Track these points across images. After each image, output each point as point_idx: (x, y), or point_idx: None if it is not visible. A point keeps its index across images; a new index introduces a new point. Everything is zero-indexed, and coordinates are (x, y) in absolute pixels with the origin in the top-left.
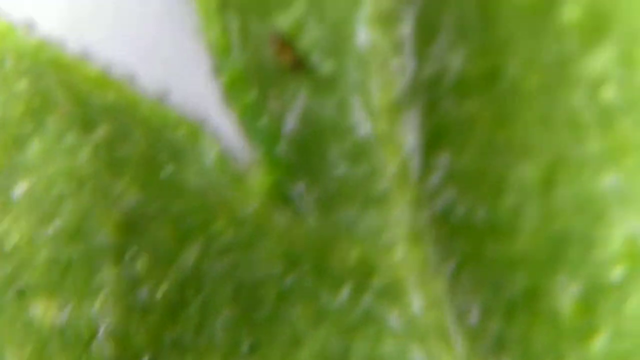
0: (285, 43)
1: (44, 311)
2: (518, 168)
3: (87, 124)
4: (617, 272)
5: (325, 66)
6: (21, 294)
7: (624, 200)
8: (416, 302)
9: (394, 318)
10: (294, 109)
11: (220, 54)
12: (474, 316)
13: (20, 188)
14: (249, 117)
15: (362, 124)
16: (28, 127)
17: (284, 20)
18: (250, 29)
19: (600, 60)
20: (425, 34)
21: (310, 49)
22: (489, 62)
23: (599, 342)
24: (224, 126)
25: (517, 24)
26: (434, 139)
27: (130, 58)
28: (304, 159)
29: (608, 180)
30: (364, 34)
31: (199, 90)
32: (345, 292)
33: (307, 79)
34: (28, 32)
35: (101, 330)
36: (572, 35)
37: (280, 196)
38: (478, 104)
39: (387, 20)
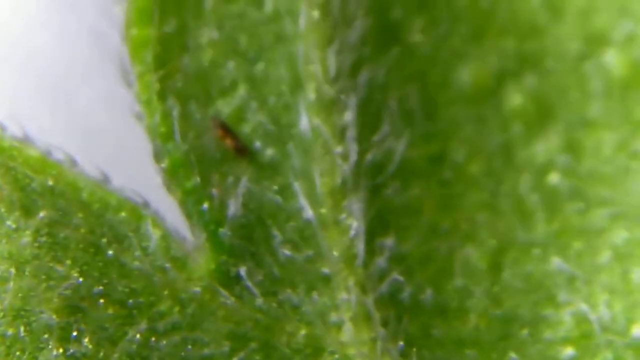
0: (228, 129)
1: None
2: (464, 251)
3: (27, 208)
4: (567, 352)
5: (267, 152)
6: None
7: (572, 282)
8: None
9: None
10: (236, 194)
11: (162, 140)
12: None
13: None
14: (191, 202)
15: (305, 209)
16: None
17: (225, 106)
18: (192, 114)
19: (545, 147)
20: (369, 121)
21: (252, 134)
22: (433, 147)
23: None
24: (166, 209)
25: (461, 110)
26: (379, 224)
27: (71, 143)
28: (248, 243)
29: (555, 263)
30: (305, 121)
31: (140, 175)
32: None
33: (249, 165)
34: None
35: None
36: (516, 122)
37: (224, 278)
38: (422, 189)
39: (329, 107)
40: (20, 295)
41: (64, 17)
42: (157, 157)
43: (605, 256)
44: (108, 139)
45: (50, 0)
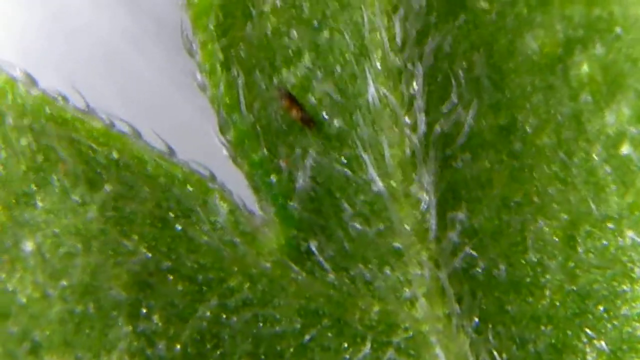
0: (294, 99)
1: None
2: (537, 225)
3: (92, 181)
4: None
5: (335, 122)
6: (35, 349)
7: None
8: (440, 358)
9: None
10: (304, 166)
11: (227, 111)
12: None
13: (28, 245)
14: (258, 175)
15: (375, 181)
16: (32, 185)
17: (291, 76)
18: (257, 84)
19: (616, 117)
20: (436, 90)
21: (319, 105)
22: (501, 118)
23: None
24: (234, 182)
25: (530, 79)
26: (450, 197)
27: (135, 115)
28: (318, 216)
29: (629, 237)
30: (373, 90)
31: (207, 147)
32: (367, 348)
33: (317, 136)
34: (29, 87)
35: None
36: (586, 91)
37: (295, 253)
38: (493, 161)
39: (396, 76)
40: (88, 271)
41: None
42: (223, 129)
43: None
44: (171, 111)
45: None
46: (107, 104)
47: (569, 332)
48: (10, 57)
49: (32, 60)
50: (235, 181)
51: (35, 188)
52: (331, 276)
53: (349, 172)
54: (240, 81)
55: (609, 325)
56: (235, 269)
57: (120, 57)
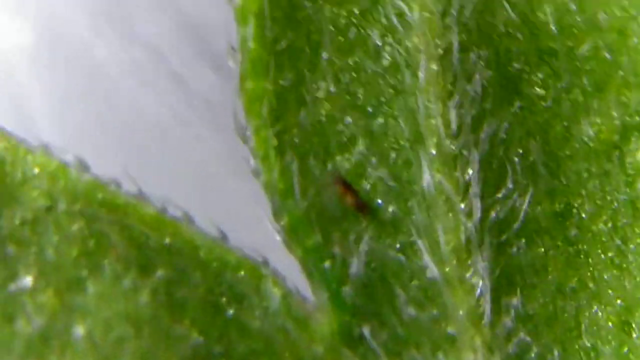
0: (348, 185)
1: None
2: (592, 311)
3: (144, 266)
4: None
5: (389, 208)
6: None
7: None
8: None
9: None
10: (359, 252)
11: (281, 197)
12: None
13: (79, 330)
14: (312, 261)
15: (430, 267)
16: (84, 270)
17: (345, 162)
18: (311, 170)
19: None
20: (491, 176)
21: (373, 191)
22: (557, 204)
23: None
24: (287, 268)
25: (585, 165)
26: (504, 282)
27: (188, 200)
28: (371, 302)
29: None
30: (428, 177)
31: (260, 233)
32: None
33: (371, 222)
34: (81, 172)
35: None
36: None
37: (348, 338)
38: (548, 247)
39: (451, 163)
40: (138, 356)
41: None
42: (276, 214)
43: None
44: (225, 196)
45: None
46: (160, 189)
47: None
48: (64, 143)
49: (85, 146)
50: (288, 267)
51: (86, 273)
52: None
53: (403, 258)
54: (294, 167)
55: None
56: (287, 354)
57: (173, 142)
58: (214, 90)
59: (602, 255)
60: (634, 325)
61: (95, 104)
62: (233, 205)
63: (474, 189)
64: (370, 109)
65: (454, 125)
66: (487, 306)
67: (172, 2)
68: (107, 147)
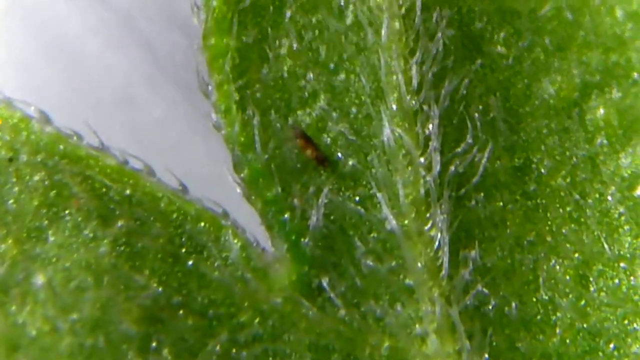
0: (309, 139)
1: None
2: (550, 264)
3: (105, 217)
4: None
5: (349, 162)
6: None
7: None
8: None
9: None
10: (318, 205)
11: (242, 150)
12: None
13: (39, 279)
14: (272, 213)
15: (389, 220)
16: (44, 220)
17: (306, 117)
18: (272, 124)
19: (631, 159)
20: (451, 132)
21: (333, 145)
22: (516, 159)
23: None
24: (246, 218)
25: (546, 122)
26: (463, 236)
27: (150, 154)
28: (330, 254)
29: None
30: (388, 131)
31: (221, 185)
32: None
33: (331, 175)
34: (44, 125)
35: None
36: (601, 135)
37: (306, 289)
38: (506, 201)
39: (411, 118)
40: (98, 305)
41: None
42: (237, 167)
43: None
44: (186, 150)
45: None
46: (122, 143)
47: None
48: (25, 96)
49: (47, 100)
50: (248, 219)
51: (47, 223)
52: (342, 312)
53: (362, 211)
54: (256, 121)
55: None
56: (246, 304)
57: (136, 98)
58: (179, 50)
59: (561, 210)
60: (591, 279)
61: (62, 63)
62: (195, 159)
63: (434, 143)
64: (332, 66)
65: (415, 82)
66: (445, 259)
67: None
68: (72, 105)
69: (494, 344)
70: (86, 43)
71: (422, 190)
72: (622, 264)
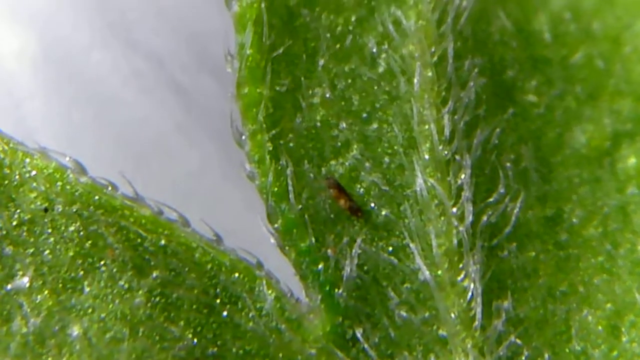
0: (342, 189)
1: None
2: (582, 315)
3: (140, 267)
4: None
5: (382, 212)
6: None
7: None
8: None
9: None
10: (352, 255)
11: (275, 200)
12: None
13: (75, 330)
14: (305, 263)
15: (422, 270)
16: (80, 270)
17: (339, 167)
18: (305, 174)
19: None
20: (484, 181)
21: (366, 195)
22: (549, 210)
23: None
24: (280, 269)
25: (577, 172)
26: (496, 285)
27: (184, 204)
28: (364, 304)
29: None
30: (421, 181)
31: (254, 235)
32: None
33: (364, 225)
34: (79, 175)
35: None
36: (632, 184)
37: (340, 340)
38: (539, 251)
39: (444, 168)
40: (134, 356)
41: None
42: (271, 217)
43: None
44: (220, 200)
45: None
46: (157, 193)
47: None
48: (60, 146)
49: (83, 151)
50: (282, 269)
51: (82, 273)
52: None
53: (395, 261)
54: (289, 171)
55: None
56: (281, 355)
57: (170, 147)
58: (213, 98)
59: (593, 260)
60: (623, 329)
61: (95, 111)
62: (229, 209)
63: (466, 193)
64: (365, 115)
65: (447, 131)
66: (478, 309)
67: (173, 11)
68: (106, 153)
69: None
70: (119, 91)
71: (455, 241)
72: None
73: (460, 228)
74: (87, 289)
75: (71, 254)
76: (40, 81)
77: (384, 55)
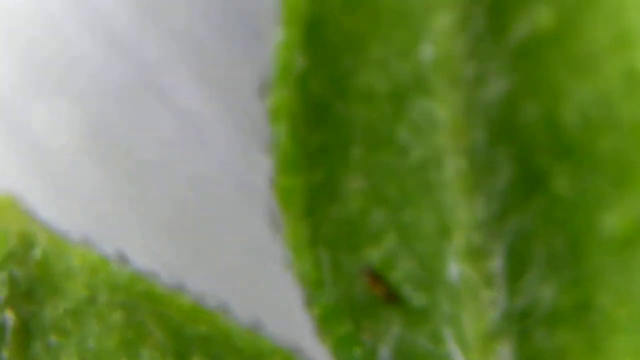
0: (378, 276)
1: None
2: None
3: (181, 354)
4: None
5: (417, 298)
6: None
7: None
8: None
9: None
10: (387, 340)
11: (313, 287)
12: None
13: None
14: (343, 349)
15: (456, 354)
16: (123, 358)
17: (375, 254)
18: (342, 262)
19: None
20: (516, 267)
21: (402, 281)
22: (579, 294)
23: None
24: (319, 357)
25: (607, 257)
26: None
27: (224, 289)
28: None
29: None
30: (454, 268)
31: (293, 322)
32: None
33: (400, 311)
34: (121, 265)
35: None
36: None
37: None
38: (570, 335)
39: (477, 254)
40: None
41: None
42: (309, 304)
43: None
44: (260, 286)
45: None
46: (198, 279)
47: None
48: (102, 235)
49: (125, 240)
50: (320, 355)
51: None
52: None
53: (430, 346)
54: (326, 259)
55: None
56: None
57: (208, 230)
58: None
59: (623, 342)
60: None
61: (136, 201)
62: (268, 295)
63: (499, 279)
64: (399, 203)
65: (479, 218)
66: None
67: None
68: (145, 242)
69: None
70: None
71: (488, 326)
72: None
73: (493, 313)
74: None
75: (114, 342)
76: (81, 173)
77: (415, 145)
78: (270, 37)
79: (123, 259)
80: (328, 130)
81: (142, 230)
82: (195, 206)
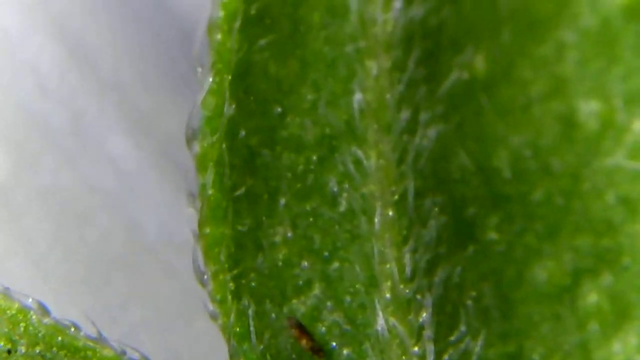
0: (304, 329)
1: None
2: None
3: None
4: None
5: (344, 352)
6: None
7: None
8: None
9: None
10: None
11: (237, 340)
12: None
13: None
14: None
15: None
16: None
17: (301, 305)
18: (267, 314)
19: (622, 346)
20: (445, 320)
21: (328, 334)
22: (509, 346)
23: None
24: None
25: (537, 308)
26: None
27: (146, 341)
28: None
29: None
30: (382, 321)
31: None
32: None
33: None
34: (41, 316)
35: None
36: (593, 321)
37: None
38: None
39: (405, 307)
40: None
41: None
42: (233, 357)
43: None
44: (182, 338)
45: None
46: (121, 331)
47: None
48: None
49: (50, 286)
50: None
51: None
52: None
53: None
54: (251, 311)
55: None
56: None
57: (132, 281)
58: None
59: None
60: None
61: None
62: (192, 350)
63: (427, 332)
64: (326, 254)
65: (408, 270)
66: None
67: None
68: (70, 291)
69: None
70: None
71: None
72: None
73: None
74: None
75: None
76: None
77: (344, 195)
78: (198, 84)
79: (43, 310)
80: (255, 179)
81: (67, 279)
82: (121, 255)
